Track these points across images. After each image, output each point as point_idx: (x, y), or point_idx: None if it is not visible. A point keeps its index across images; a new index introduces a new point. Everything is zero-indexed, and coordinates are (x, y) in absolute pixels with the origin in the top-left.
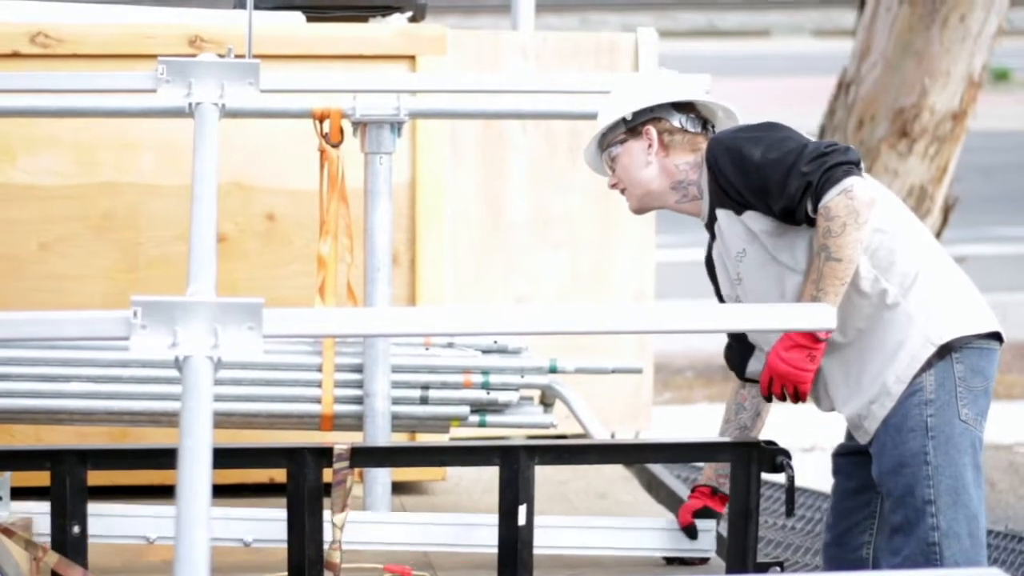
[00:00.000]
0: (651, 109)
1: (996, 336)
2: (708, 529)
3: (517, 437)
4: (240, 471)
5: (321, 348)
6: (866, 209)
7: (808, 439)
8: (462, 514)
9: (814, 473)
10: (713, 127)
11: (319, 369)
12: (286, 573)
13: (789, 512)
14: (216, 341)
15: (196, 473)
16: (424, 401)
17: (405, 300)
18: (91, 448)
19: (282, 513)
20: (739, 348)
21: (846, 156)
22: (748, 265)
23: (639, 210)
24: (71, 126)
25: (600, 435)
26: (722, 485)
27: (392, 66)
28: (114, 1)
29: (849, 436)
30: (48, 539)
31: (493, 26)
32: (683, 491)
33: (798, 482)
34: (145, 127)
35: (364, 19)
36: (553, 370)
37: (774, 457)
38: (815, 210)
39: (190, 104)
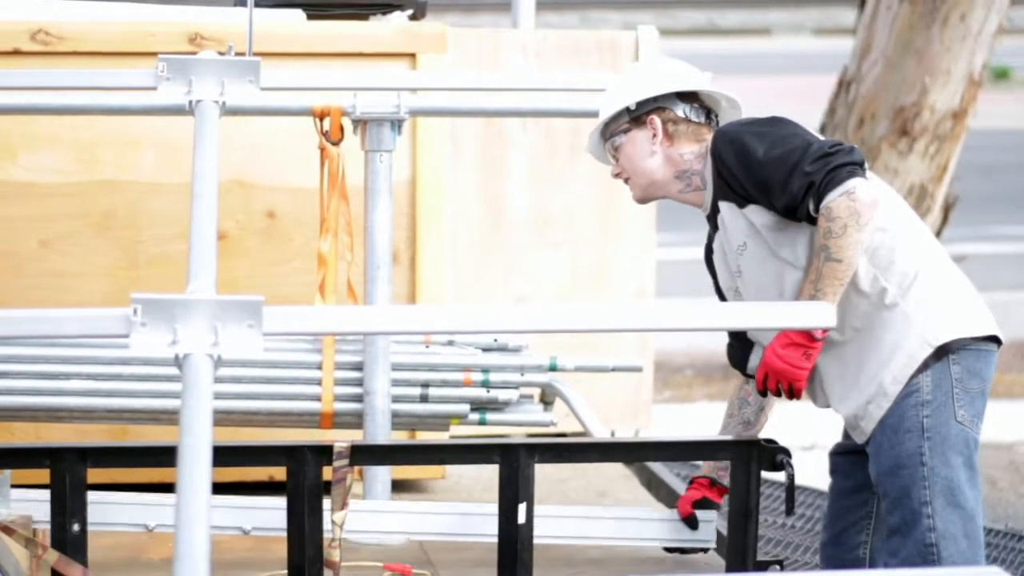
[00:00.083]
0: (655, 99)
1: (994, 339)
2: (708, 520)
3: (517, 435)
4: (240, 469)
5: (321, 346)
6: (868, 211)
7: (808, 438)
8: (460, 503)
9: (814, 472)
10: (717, 117)
11: (319, 367)
12: (286, 571)
13: (789, 511)
14: (216, 339)
15: (196, 471)
16: (424, 399)
17: (405, 298)
18: (91, 446)
19: (281, 502)
20: (740, 346)
21: (850, 156)
22: (748, 259)
23: (642, 199)
24: (72, 124)
25: (600, 433)
26: (721, 478)
27: (392, 64)
28: None
29: (846, 435)
30: (47, 525)
31: (493, 24)
32: (683, 489)
33: (798, 480)
34: (146, 125)
35: (365, 17)
36: (553, 368)
37: (774, 455)
38: (817, 209)
39: (190, 102)
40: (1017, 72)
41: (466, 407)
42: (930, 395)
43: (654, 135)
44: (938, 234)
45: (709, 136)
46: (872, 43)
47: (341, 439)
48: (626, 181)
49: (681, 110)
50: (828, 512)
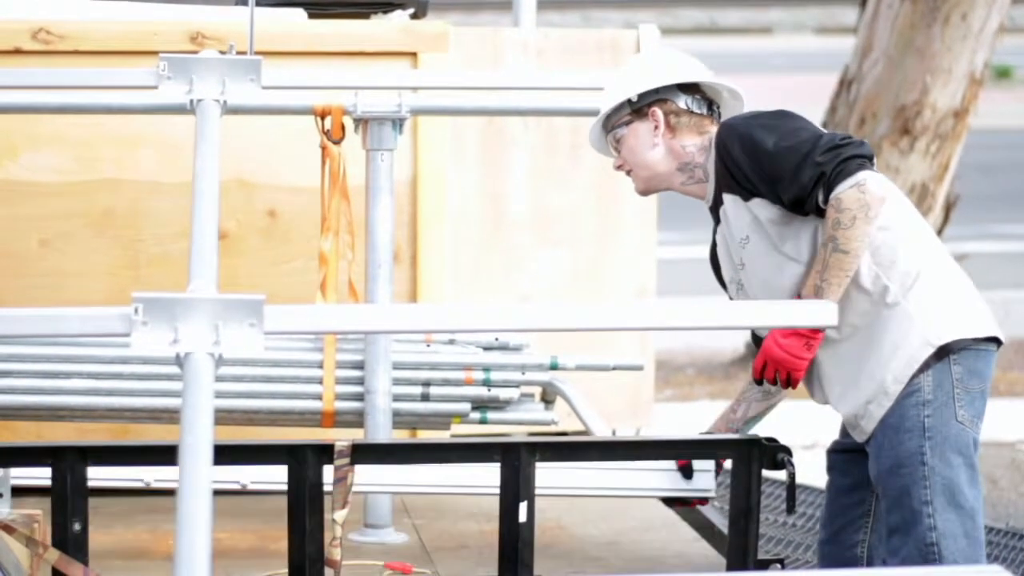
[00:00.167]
0: (656, 90)
1: (995, 339)
2: (707, 469)
3: (518, 434)
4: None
5: (322, 345)
6: (877, 204)
7: (809, 436)
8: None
9: (815, 470)
10: (719, 108)
11: (320, 366)
12: (287, 571)
13: (790, 509)
14: (217, 338)
15: (197, 470)
16: (425, 398)
17: (406, 297)
18: (92, 445)
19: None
20: None
21: (860, 149)
22: (751, 252)
23: (645, 192)
24: (73, 123)
25: (601, 432)
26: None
27: (394, 63)
28: None
29: (844, 433)
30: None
31: (495, 23)
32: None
33: (799, 479)
34: (146, 124)
35: (366, 16)
36: (554, 367)
37: (775, 454)
38: (826, 200)
39: (191, 101)
40: (1018, 71)
41: (467, 406)
42: (931, 395)
43: (656, 127)
44: (939, 233)
45: (711, 128)
46: (873, 42)
47: (342, 438)
48: (628, 173)
49: (683, 101)
50: (825, 510)
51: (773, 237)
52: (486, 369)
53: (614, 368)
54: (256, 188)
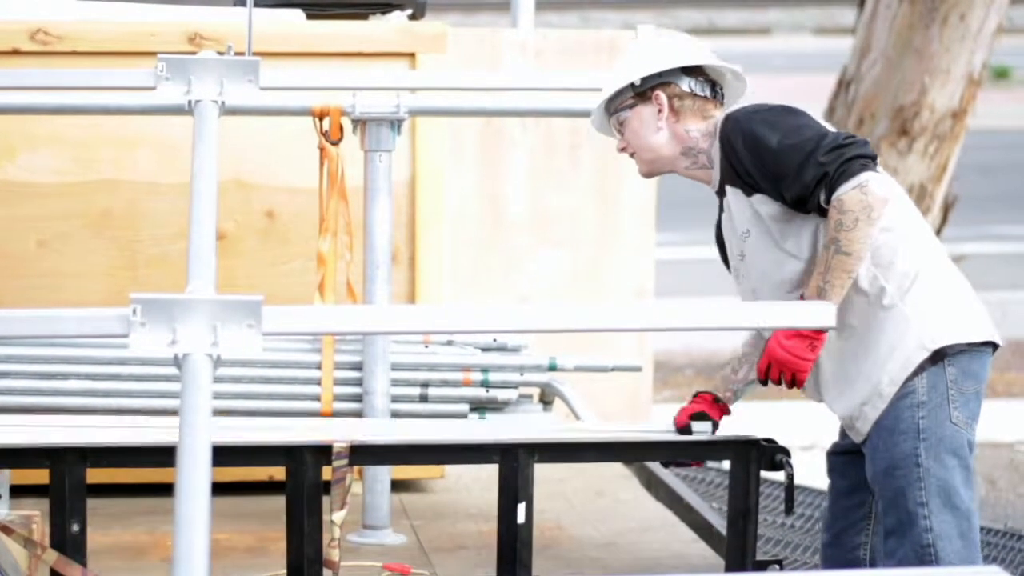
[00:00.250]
0: (660, 74)
1: (991, 343)
2: (704, 431)
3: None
4: (240, 469)
5: (320, 346)
6: (880, 206)
7: (808, 437)
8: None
9: (813, 471)
10: (722, 90)
11: (318, 367)
12: (285, 572)
13: (788, 510)
14: (215, 339)
15: (195, 471)
16: (423, 399)
17: (404, 298)
18: (90, 445)
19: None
20: None
21: (864, 150)
22: (752, 246)
23: (648, 174)
24: (70, 123)
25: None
26: (727, 399)
27: (392, 63)
28: None
29: (843, 434)
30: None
31: (493, 24)
32: (683, 489)
33: (797, 480)
34: (144, 125)
35: (364, 16)
36: (552, 368)
37: (773, 455)
38: (828, 201)
39: (190, 101)
40: (1017, 72)
41: (465, 407)
42: (925, 396)
43: (660, 110)
44: (938, 233)
45: (715, 112)
46: (872, 43)
47: (340, 439)
48: (631, 155)
49: (686, 84)
50: (827, 512)
51: (774, 233)
52: (484, 370)
53: (612, 369)
54: (254, 189)
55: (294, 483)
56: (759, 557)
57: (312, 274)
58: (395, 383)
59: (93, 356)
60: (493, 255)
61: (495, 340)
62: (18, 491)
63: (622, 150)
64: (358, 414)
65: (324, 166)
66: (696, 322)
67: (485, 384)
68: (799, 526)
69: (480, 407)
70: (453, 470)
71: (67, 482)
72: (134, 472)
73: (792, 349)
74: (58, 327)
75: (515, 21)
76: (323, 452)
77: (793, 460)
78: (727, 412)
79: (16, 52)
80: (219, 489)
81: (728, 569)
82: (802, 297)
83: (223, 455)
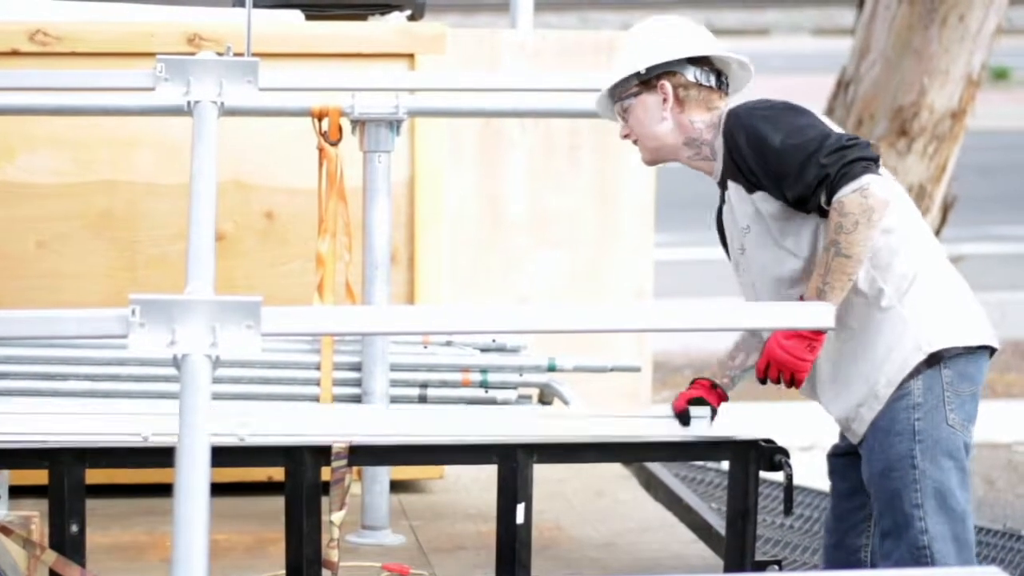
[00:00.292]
0: (665, 63)
1: (989, 347)
2: (702, 416)
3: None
4: (239, 469)
5: (319, 346)
6: (881, 208)
7: (807, 438)
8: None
9: (812, 472)
10: (727, 79)
11: (317, 367)
12: (284, 572)
13: (787, 511)
14: (214, 339)
15: (194, 471)
16: (423, 400)
17: (403, 298)
18: (89, 446)
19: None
20: None
21: (867, 152)
22: (752, 241)
23: (651, 162)
24: (70, 124)
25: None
26: (726, 386)
27: (391, 64)
28: None
29: (843, 436)
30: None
31: (492, 25)
32: (682, 490)
33: (796, 481)
34: (144, 125)
35: (363, 17)
36: (551, 368)
37: (772, 455)
38: (828, 202)
39: (189, 102)
40: (1016, 72)
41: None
42: (921, 398)
43: (664, 100)
44: (937, 234)
45: (720, 103)
46: (871, 43)
47: (340, 440)
48: (634, 142)
49: (692, 74)
50: (829, 515)
51: (774, 231)
52: (483, 371)
53: (611, 369)
54: (253, 190)
55: (293, 484)
56: (758, 557)
57: (311, 275)
58: (394, 384)
59: (92, 357)
60: (492, 256)
61: (494, 340)
62: (17, 492)
63: (625, 137)
64: None
65: (323, 167)
66: (695, 323)
67: (484, 385)
68: (798, 527)
69: None
70: (452, 470)
71: (66, 483)
72: (133, 473)
73: (791, 349)
74: (57, 328)
75: (514, 22)
76: (322, 453)
77: (792, 461)
78: (725, 398)
79: (15, 53)
80: (218, 489)
81: (727, 570)
82: (801, 298)
83: (222, 455)
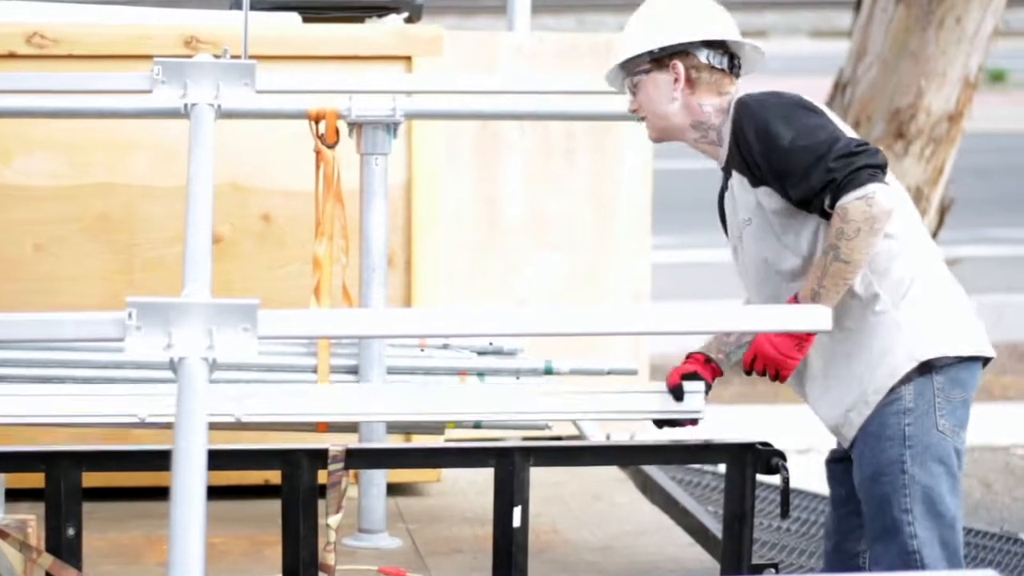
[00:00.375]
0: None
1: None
2: (696, 391)
3: (512, 439)
4: (235, 473)
5: (316, 349)
6: (883, 218)
7: (804, 441)
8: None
9: (809, 475)
10: (739, 62)
11: (314, 370)
12: (280, 575)
13: (784, 514)
14: (211, 342)
15: (191, 475)
16: None
17: (400, 301)
18: (86, 450)
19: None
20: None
21: (874, 159)
22: (751, 234)
23: (657, 139)
24: (66, 127)
25: (595, 437)
26: (721, 361)
27: (388, 67)
28: (110, 2)
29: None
30: None
31: (489, 27)
32: (678, 493)
33: (793, 484)
34: (140, 128)
35: (360, 20)
36: (548, 371)
37: (769, 458)
38: (832, 206)
39: (186, 105)
40: (1013, 75)
41: None
42: (912, 403)
43: (676, 80)
44: (934, 236)
45: (731, 88)
46: (868, 46)
47: (336, 443)
48: (642, 118)
49: (705, 56)
50: (827, 521)
51: (775, 227)
52: (480, 374)
53: (609, 372)
54: (250, 192)
55: (290, 487)
56: (755, 561)
57: (308, 278)
58: None
59: (89, 360)
60: (489, 258)
61: (491, 344)
62: (14, 495)
63: (633, 111)
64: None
65: (320, 169)
66: (692, 326)
67: None
68: (795, 530)
69: None
70: (449, 474)
71: (63, 486)
72: (130, 476)
73: (780, 346)
74: (54, 331)
75: (511, 24)
76: (319, 456)
77: (789, 464)
78: (719, 373)
79: (12, 55)
80: (215, 493)
81: (724, 573)
82: (795, 296)
83: (219, 459)
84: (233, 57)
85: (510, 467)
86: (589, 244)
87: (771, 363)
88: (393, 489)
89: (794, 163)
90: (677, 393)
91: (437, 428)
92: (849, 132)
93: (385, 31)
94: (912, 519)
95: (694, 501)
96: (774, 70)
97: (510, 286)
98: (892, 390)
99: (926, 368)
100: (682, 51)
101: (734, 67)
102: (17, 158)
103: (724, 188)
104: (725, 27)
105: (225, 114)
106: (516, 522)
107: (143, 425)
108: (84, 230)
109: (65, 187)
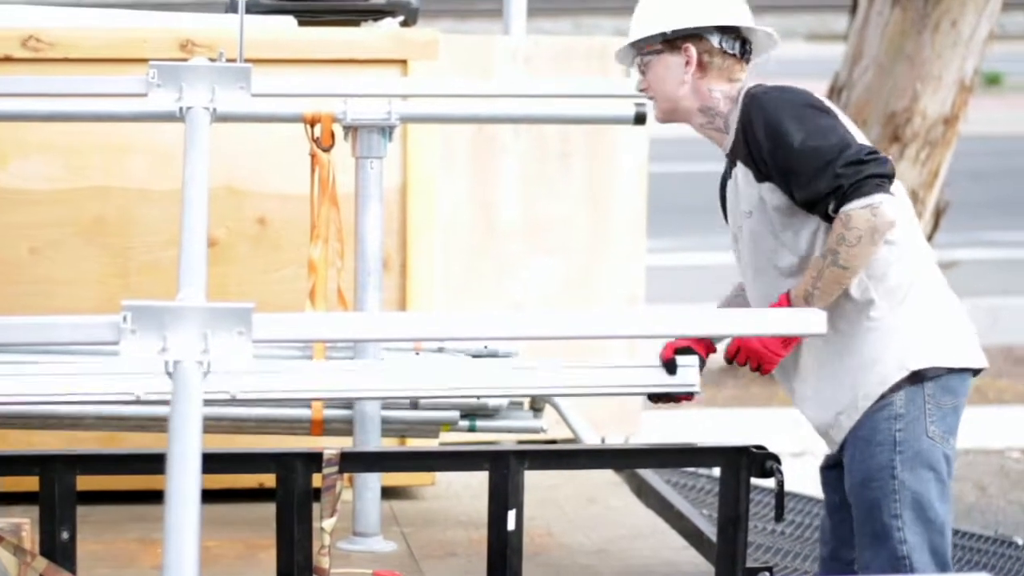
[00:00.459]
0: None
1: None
2: (690, 365)
3: (507, 442)
4: (230, 476)
5: (311, 353)
6: (886, 229)
7: (798, 444)
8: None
9: (804, 478)
10: (751, 47)
11: None
12: None
13: (779, 517)
14: (206, 346)
15: (185, 478)
16: (414, 406)
17: (396, 305)
18: (80, 453)
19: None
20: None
21: (883, 168)
22: (751, 226)
23: (664, 120)
24: (62, 130)
25: (590, 440)
26: (714, 337)
27: (383, 70)
28: (106, 5)
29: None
30: None
31: (485, 30)
32: (673, 496)
33: (788, 487)
34: (136, 131)
35: (356, 23)
36: None
37: (764, 462)
38: (836, 211)
39: (181, 108)
40: (1008, 78)
41: (456, 414)
42: (903, 409)
43: (687, 63)
44: (929, 239)
45: (741, 75)
46: (863, 49)
47: (331, 446)
48: (651, 98)
49: (717, 40)
50: (823, 527)
51: (775, 223)
52: None
53: None
54: (246, 196)
55: (284, 490)
56: (749, 564)
57: (303, 281)
58: None
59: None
60: (485, 262)
61: (486, 347)
62: (7, 498)
63: (643, 90)
64: (348, 421)
65: (315, 173)
66: (687, 329)
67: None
68: (789, 533)
69: (471, 414)
70: (443, 477)
71: (57, 489)
72: (124, 479)
73: (766, 342)
74: (49, 334)
75: (507, 27)
76: (313, 459)
77: (783, 467)
78: (713, 350)
79: (8, 59)
80: (209, 496)
81: None
82: (788, 293)
83: (213, 462)
84: (229, 61)
85: (504, 470)
86: (584, 247)
87: (754, 356)
88: (387, 492)
89: (802, 164)
90: (671, 367)
91: (432, 431)
92: (859, 136)
93: (381, 35)
94: (902, 524)
95: (689, 504)
96: (771, 72)
97: (505, 289)
98: (882, 396)
99: (917, 377)
100: (695, 34)
101: (745, 53)
102: (13, 161)
103: (727, 175)
104: (739, 12)
105: (220, 117)
106: (511, 526)
107: (139, 403)
108: (80, 233)
109: (61, 190)
